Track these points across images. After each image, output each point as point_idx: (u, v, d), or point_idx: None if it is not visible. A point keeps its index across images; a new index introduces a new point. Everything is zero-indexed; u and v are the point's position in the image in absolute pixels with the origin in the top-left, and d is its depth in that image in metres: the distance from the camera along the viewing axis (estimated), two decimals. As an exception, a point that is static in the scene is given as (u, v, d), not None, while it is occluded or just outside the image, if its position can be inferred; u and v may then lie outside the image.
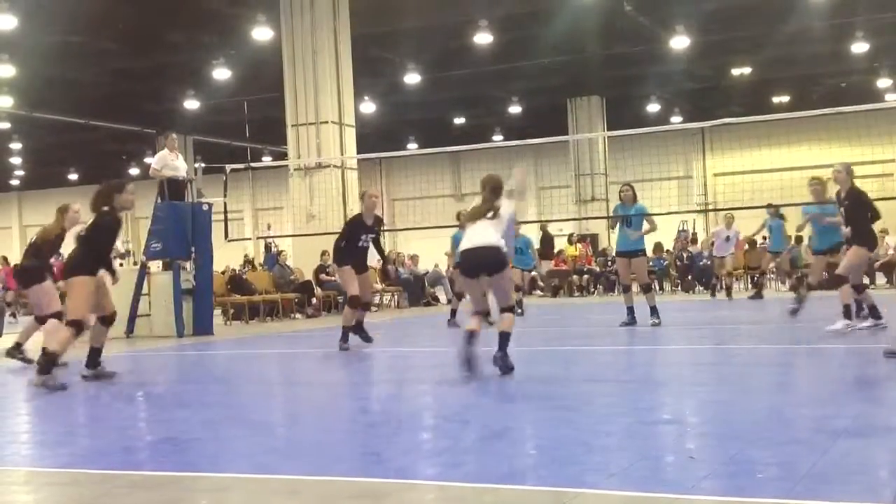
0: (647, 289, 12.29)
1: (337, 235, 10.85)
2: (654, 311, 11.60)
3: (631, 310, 11.70)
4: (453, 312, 13.27)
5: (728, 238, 18.30)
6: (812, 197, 11.43)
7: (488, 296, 7.54)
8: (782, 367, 7.91)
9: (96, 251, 8.11)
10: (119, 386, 8.06)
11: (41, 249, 9.63)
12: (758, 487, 3.73)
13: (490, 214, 7.39)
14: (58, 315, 9.30)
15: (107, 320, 8.37)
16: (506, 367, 7.17)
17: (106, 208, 8.04)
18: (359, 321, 10.53)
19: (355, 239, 10.26)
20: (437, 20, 22.57)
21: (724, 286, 18.90)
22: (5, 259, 26.03)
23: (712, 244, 20.06)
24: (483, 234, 7.33)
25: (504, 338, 7.25)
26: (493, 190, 7.55)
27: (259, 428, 5.68)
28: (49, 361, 7.73)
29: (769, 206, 17.17)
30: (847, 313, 9.72)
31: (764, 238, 19.71)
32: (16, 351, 10.00)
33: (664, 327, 11.41)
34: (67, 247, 8.98)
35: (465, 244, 7.45)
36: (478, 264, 7.35)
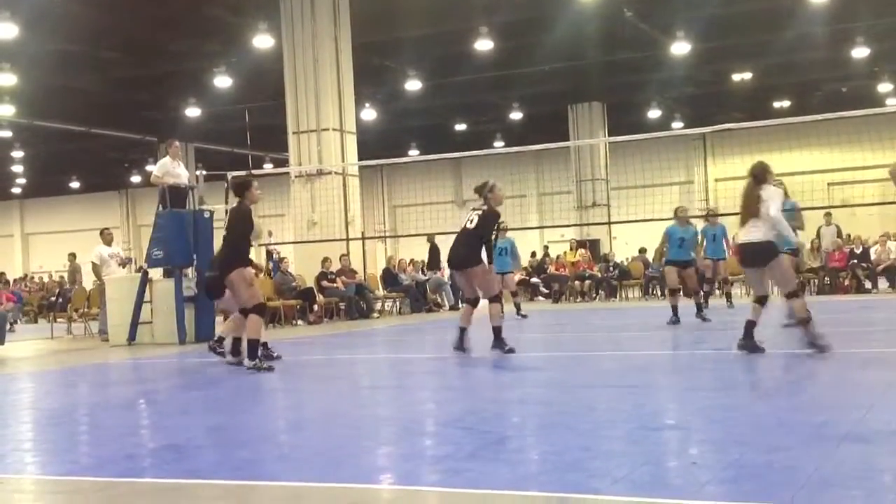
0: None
1: (337, 241, 10.67)
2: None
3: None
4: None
5: None
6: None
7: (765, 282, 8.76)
8: (783, 372, 7.91)
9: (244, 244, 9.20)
10: (122, 393, 8.06)
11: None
12: (760, 492, 3.73)
13: (756, 213, 8.41)
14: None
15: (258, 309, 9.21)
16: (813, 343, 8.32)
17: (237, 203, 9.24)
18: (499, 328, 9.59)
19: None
20: (437, 27, 22.62)
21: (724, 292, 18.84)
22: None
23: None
24: (749, 231, 8.48)
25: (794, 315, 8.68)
26: (756, 177, 8.62)
27: (262, 435, 5.68)
28: (254, 347, 8.92)
29: (707, 215, 17.51)
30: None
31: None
32: (217, 345, 10.28)
33: (667, 331, 11.39)
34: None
35: (738, 239, 8.83)
36: (746, 258, 8.69)
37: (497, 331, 9.51)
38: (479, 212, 9.62)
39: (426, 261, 23.00)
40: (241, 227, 9.12)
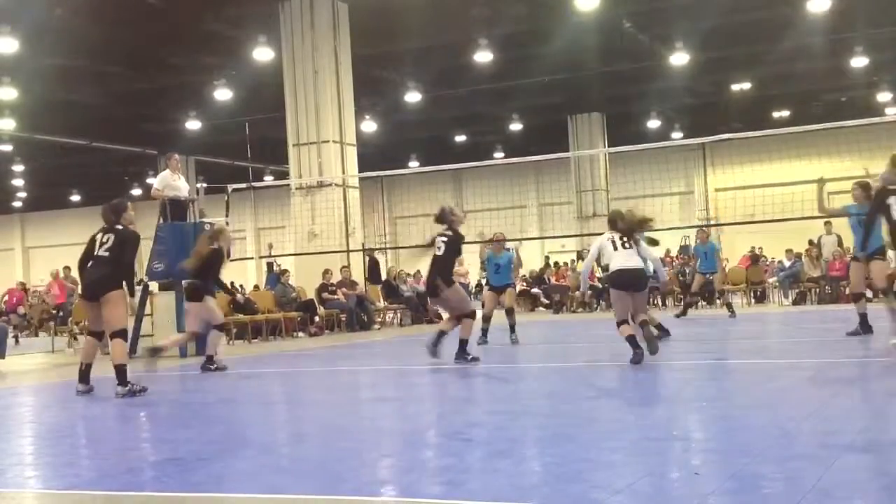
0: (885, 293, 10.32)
1: (338, 253, 10.80)
2: None
3: (864, 317, 10.74)
4: None
5: None
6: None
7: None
8: (785, 382, 7.89)
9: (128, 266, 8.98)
10: (123, 406, 8.05)
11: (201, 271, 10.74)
12: (764, 503, 3.72)
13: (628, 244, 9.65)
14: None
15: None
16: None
17: (120, 226, 8.85)
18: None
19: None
20: (437, 39, 22.68)
21: (724, 301, 18.81)
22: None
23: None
24: (629, 258, 9.59)
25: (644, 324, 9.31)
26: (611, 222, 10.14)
27: (264, 448, 5.68)
28: (123, 372, 8.64)
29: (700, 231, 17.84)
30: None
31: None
32: (209, 363, 10.84)
33: (665, 344, 11.37)
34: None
35: (616, 265, 9.66)
36: (625, 282, 9.49)
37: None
38: (445, 237, 10.23)
39: (366, 277, 21.52)
40: (130, 249, 8.92)
